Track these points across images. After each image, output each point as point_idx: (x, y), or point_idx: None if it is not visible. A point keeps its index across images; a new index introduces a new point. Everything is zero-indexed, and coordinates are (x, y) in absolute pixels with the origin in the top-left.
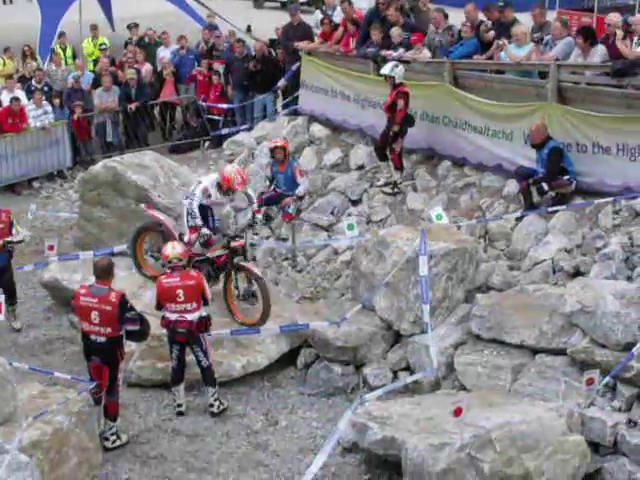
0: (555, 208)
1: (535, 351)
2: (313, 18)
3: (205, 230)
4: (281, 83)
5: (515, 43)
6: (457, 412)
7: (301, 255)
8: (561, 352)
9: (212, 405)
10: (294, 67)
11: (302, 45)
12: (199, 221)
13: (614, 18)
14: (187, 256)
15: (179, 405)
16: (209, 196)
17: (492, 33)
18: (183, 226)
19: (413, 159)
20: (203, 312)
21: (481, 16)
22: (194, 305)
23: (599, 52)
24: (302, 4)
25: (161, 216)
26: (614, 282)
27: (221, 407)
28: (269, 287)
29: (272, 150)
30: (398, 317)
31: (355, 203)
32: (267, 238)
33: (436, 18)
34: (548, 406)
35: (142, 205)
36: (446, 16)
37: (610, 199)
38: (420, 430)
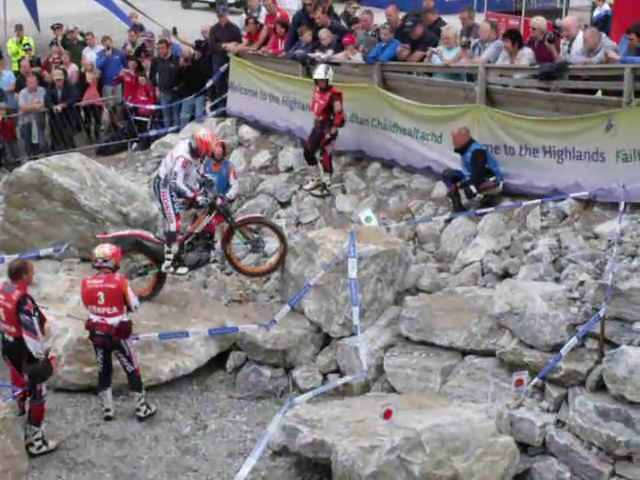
0: (483, 210)
1: (464, 353)
2: (241, 19)
3: (201, 198)
4: (208, 85)
5: (444, 45)
6: (387, 414)
7: None
8: (490, 354)
9: (139, 410)
10: (222, 68)
11: (230, 47)
12: (190, 193)
13: (538, 22)
14: (116, 259)
15: (107, 410)
16: (189, 165)
17: (419, 30)
18: (168, 216)
19: (342, 161)
20: (125, 317)
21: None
22: (114, 309)
23: (526, 55)
24: (230, 5)
25: (125, 231)
26: (542, 284)
27: (148, 412)
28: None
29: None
30: (327, 319)
31: (284, 205)
32: None
33: (366, 20)
34: (477, 407)
35: (98, 236)
36: None
37: (538, 201)
38: (350, 433)
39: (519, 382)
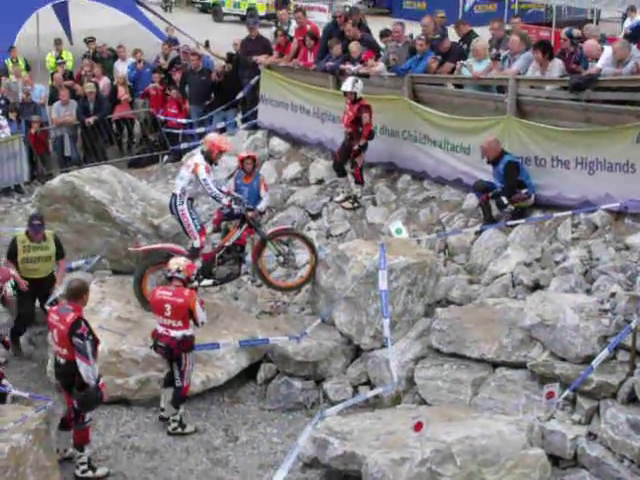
0: (514, 222)
1: (495, 365)
2: (271, 32)
3: (236, 207)
4: (239, 97)
5: (474, 58)
6: (417, 427)
7: None
8: (521, 366)
9: (169, 424)
10: (253, 81)
11: (261, 59)
12: (225, 199)
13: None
14: (190, 272)
15: (162, 409)
16: (211, 171)
17: (447, 43)
18: (191, 234)
19: (373, 173)
20: (189, 332)
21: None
22: (179, 323)
23: (557, 66)
24: (261, 18)
25: (157, 245)
26: (573, 295)
27: (178, 430)
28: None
29: (241, 161)
30: (358, 332)
31: (315, 217)
32: None
33: (398, 31)
34: (508, 420)
35: (130, 249)
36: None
37: (569, 212)
38: (381, 445)
39: (550, 394)
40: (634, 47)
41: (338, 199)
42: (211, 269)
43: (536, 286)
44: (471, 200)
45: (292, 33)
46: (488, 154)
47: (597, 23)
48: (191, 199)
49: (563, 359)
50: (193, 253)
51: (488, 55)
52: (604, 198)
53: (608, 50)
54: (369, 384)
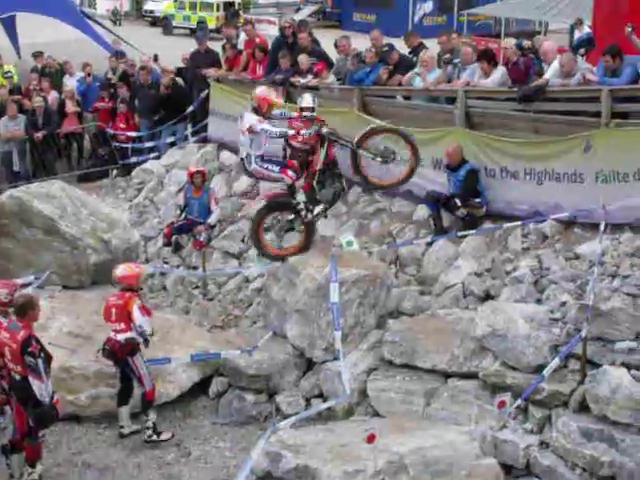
0: (465, 232)
1: (447, 375)
2: (220, 45)
3: (304, 131)
4: (189, 110)
5: (423, 69)
6: (370, 438)
7: (212, 283)
8: (473, 376)
9: (144, 432)
10: (203, 94)
11: (210, 72)
12: (291, 131)
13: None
14: (130, 281)
15: (120, 427)
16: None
17: (396, 55)
18: (276, 178)
19: None
20: (131, 334)
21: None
22: (122, 325)
23: (499, 72)
24: (211, 31)
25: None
26: (524, 305)
27: (153, 437)
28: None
29: (191, 175)
30: (310, 344)
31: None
32: (177, 267)
33: (344, 45)
34: (461, 430)
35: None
36: None
37: (519, 223)
38: (334, 457)
39: (502, 404)
40: (580, 59)
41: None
42: (315, 196)
43: (487, 296)
44: (422, 211)
45: (241, 46)
46: (453, 159)
47: (545, 34)
48: (261, 156)
49: (515, 368)
50: (290, 190)
51: (436, 67)
52: (553, 208)
53: (555, 62)
54: (322, 397)
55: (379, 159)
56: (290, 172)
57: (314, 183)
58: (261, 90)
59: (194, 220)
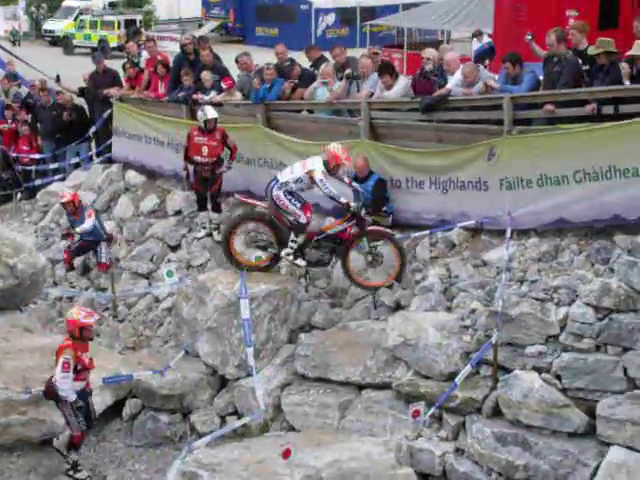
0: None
1: (361, 387)
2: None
3: (354, 204)
4: (92, 131)
5: (323, 81)
6: (286, 454)
7: (122, 304)
8: (387, 386)
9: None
10: (105, 114)
11: (113, 92)
12: (344, 199)
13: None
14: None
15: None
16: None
17: (297, 69)
18: (293, 212)
19: (230, 202)
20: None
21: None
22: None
23: (401, 84)
24: (113, 49)
25: (263, 203)
26: (434, 314)
27: (70, 472)
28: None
29: (63, 205)
30: (223, 362)
31: (174, 249)
32: (86, 289)
33: (245, 62)
34: (376, 441)
35: (237, 196)
36: None
37: (426, 232)
38: (250, 475)
39: (416, 413)
40: (481, 68)
41: (200, 235)
42: (305, 250)
43: (397, 306)
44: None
45: (143, 64)
46: (362, 171)
47: (448, 43)
48: (291, 192)
49: (427, 377)
50: (298, 228)
51: (336, 79)
52: (460, 216)
53: (457, 72)
54: (236, 414)
55: (369, 257)
56: (309, 214)
57: (314, 239)
58: (334, 146)
59: (90, 240)
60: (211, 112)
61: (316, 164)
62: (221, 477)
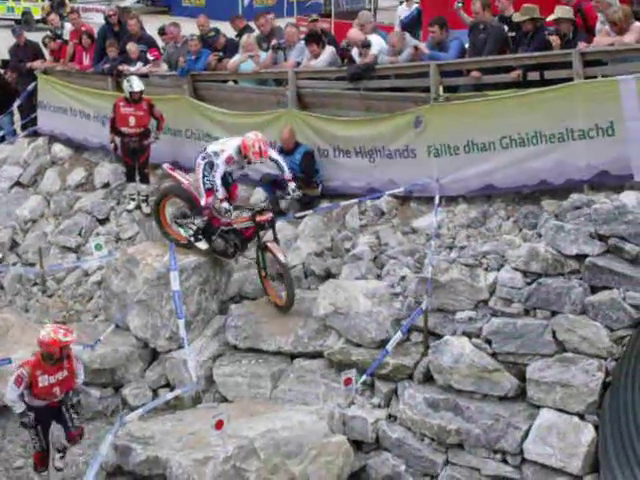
0: (302, 213)
1: (293, 356)
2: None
3: (225, 205)
4: (16, 104)
5: (246, 54)
6: (218, 425)
7: (50, 279)
8: (318, 355)
9: None
10: (30, 87)
11: (36, 65)
12: (221, 194)
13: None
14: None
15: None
16: (233, 163)
17: (222, 40)
18: (199, 188)
19: (158, 174)
20: None
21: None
22: None
23: (328, 52)
24: (37, 21)
25: (183, 179)
26: (364, 282)
27: None
28: (292, 275)
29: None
30: (153, 334)
31: (102, 222)
32: (14, 264)
33: (172, 32)
34: (309, 410)
35: (164, 165)
36: None
37: (355, 200)
38: (183, 446)
39: (348, 381)
40: (408, 35)
41: (130, 208)
42: (211, 235)
43: (328, 275)
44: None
45: (67, 36)
46: (288, 144)
47: (375, 12)
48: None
49: (359, 345)
50: (196, 211)
51: (257, 49)
52: (388, 184)
53: (378, 39)
54: (168, 386)
55: (268, 276)
56: (210, 199)
57: (219, 228)
58: (249, 136)
59: None
60: (137, 84)
61: (230, 146)
62: (154, 449)
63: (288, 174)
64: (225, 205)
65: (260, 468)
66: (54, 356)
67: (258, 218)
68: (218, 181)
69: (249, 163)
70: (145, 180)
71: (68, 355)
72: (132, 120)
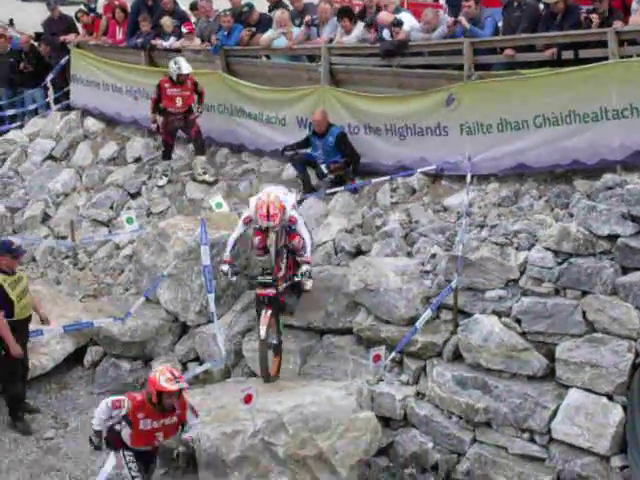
0: (333, 190)
1: (322, 332)
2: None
3: (224, 267)
4: (49, 78)
5: (279, 30)
6: (247, 399)
7: (82, 252)
8: (348, 331)
9: None
10: (63, 61)
11: (70, 38)
12: (227, 254)
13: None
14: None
15: None
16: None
17: (256, 15)
18: None
19: (190, 148)
20: None
21: None
22: None
23: (360, 27)
24: None
25: None
26: (395, 259)
27: None
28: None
29: None
30: (183, 308)
31: (134, 196)
32: (46, 237)
33: (204, 7)
34: (338, 385)
35: None
36: None
37: (387, 177)
38: (212, 420)
39: (377, 357)
40: (442, 13)
41: (161, 183)
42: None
43: (358, 252)
44: (290, 170)
45: (100, 10)
46: (321, 126)
47: None
48: None
49: (388, 322)
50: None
51: (291, 25)
52: (419, 162)
53: (408, 16)
54: (198, 360)
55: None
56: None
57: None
58: (256, 200)
59: None
60: (185, 66)
61: (251, 206)
62: None
63: (307, 256)
64: (224, 268)
65: (288, 442)
66: (153, 401)
67: (258, 291)
68: (230, 240)
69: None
70: (201, 151)
71: (181, 403)
72: (179, 101)
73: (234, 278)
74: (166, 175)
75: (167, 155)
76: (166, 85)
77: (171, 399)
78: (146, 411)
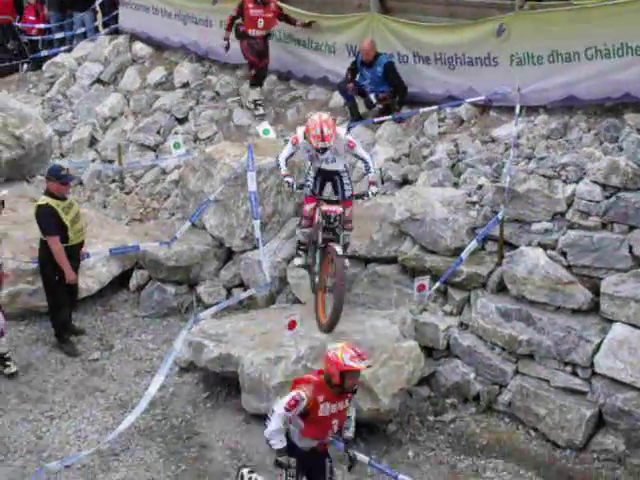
0: (381, 118)
1: (367, 261)
2: None
3: (289, 179)
4: (98, 1)
5: None
6: (291, 325)
7: (129, 176)
8: (392, 260)
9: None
10: None
11: None
12: (284, 169)
13: None
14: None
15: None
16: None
17: None
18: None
19: (238, 75)
20: None
21: None
22: None
23: None
24: None
25: None
26: (441, 189)
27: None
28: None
29: None
30: (229, 234)
31: (181, 121)
32: (93, 161)
33: None
34: (381, 314)
35: None
36: None
37: (435, 107)
38: (256, 345)
39: (421, 287)
40: None
41: (258, 113)
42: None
43: (405, 181)
44: (337, 98)
45: None
46: (369, 55)
47: None
48: None
49: (433, 252)
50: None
51: None
52: (468, 92)
53: None
54: (242, 286)
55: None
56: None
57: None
58: (313, 119)
59: None
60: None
61: (300, 128)
62: (227, 347)
63: (373, 175)
64: (289, 179)
65: None
66: (333, 381)
67: (323, 208)
68: (281, 158)
69: (317, 150)
70: (260, 83)
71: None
72: (261, 22)
73: (299, 190)
74: (260, 104)
75: (258, 81)
76: (249, 5)
77: (354, 379)
78: (325, 394)
